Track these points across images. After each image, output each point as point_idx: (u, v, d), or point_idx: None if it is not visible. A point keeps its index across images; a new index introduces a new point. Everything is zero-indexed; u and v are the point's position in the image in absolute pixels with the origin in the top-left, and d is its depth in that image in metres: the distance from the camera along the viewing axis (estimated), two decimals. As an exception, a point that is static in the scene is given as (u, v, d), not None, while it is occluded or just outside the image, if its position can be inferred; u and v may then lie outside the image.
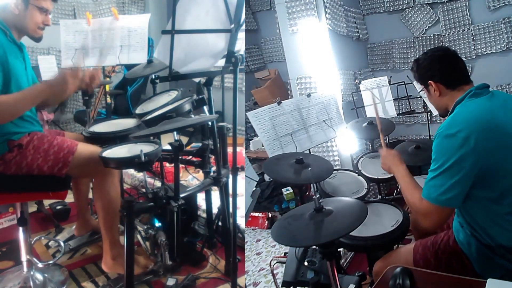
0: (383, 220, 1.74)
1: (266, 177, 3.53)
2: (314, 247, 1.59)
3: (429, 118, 3.13)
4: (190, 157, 2.20)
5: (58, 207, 2.78)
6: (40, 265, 2.08)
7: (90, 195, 2.58)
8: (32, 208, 2.81)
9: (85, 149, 1.88)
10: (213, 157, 2.11)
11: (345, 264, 2.44)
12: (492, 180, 1.27)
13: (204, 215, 2.36)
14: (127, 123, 2.14)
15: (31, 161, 1.76)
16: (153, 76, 2.22)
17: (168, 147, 1.82)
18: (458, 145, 1.25)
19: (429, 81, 1.49)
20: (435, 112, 2.95)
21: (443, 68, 1.47)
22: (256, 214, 3.27)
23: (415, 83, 2.82)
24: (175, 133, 1.98)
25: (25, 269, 2.01)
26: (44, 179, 1.81)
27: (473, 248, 1.35)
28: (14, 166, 1.74)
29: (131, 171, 3.19)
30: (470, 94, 1.39)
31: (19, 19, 1.81)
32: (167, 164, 2.30)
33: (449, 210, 1.31)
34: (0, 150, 1.72)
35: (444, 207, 1.29)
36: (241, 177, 1.84)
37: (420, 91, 1.73)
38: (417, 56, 1.61)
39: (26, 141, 1.78)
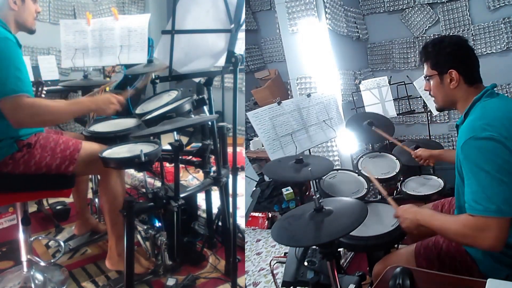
0: (383, 220, 1.74)
1: (266, 177, 3.53)
2: (314, 247, 1.59)
3: (429, 118, 3.13)
4: (190, 157, 2.20)
5: (58, 207, 2.78)
6: (42, 263, 2.08)
7: (90, 195, 2.58)
8: (32, 208, 2.81)
9: (90, 146, 1.90)
10: (213, 157, 2.11)
11: (345, 264, 2.44)
12: None
13: (204, 215, 2.36)
14: (127, 123, 2.14)
15: (39, 160, 1.77)
16: (153, 76, 2.22)
17: (168, 147, 1.82)
18: (501, 147, 1.17)
19: (451, 70, 1.36)
20: (435, 112, 2.96)
21: (469, 60, 1.38)
22: (256, 214, 3.27)
23: (416, 82, 2.81)
24: (175, 133, 1.98)
25: (25, 269, 2.01)
26: (51, 177, 1.82)
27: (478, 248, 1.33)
28: (22, 165, 1.75)
29: (131, 171, 3.19)
30: (487, 93, 1.34)
31: (19, 14, 1.83)
32: (167, 164, 2.30)
33: (510, 219, 1.16)
34: (9, 149, 1.73)
35: (505, 218, 1.15)
36: (241, 177, 1.84)
37: (426, 77, 1.45)
38: (437, 37, 1.46)
39: (33, 140, 1.79)
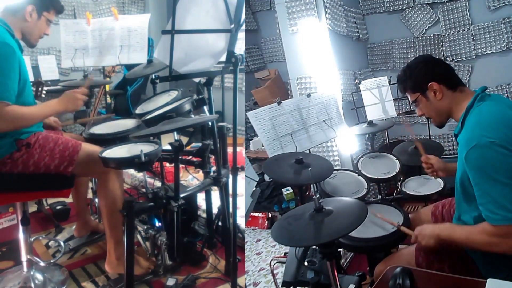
0: (383, 221, 1.73)
1: (266, 177, 3.52)
2: (314, 247, 1.59)
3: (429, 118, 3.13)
4: (190, 157, 2.20)
5: (58, 207, 2.78)
6: (42, 263, 2.08)
7: (90, 196, 2.58)
8: (32, 208, 2.81)
9: (89, 148, 1.90)
10: (213, 157, 2.11)
11: (345, 264, 2.44)
12: None
13: (204, 215, 2.36)
14: (126, 124, 2.14)
15: (38, 160, 1.77)
16: (153, 76, 2.22)
17: (168, 147, 1.82)
18: (507, 152, 1.17)
19: (431, 83, 1.40)
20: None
21: (441, 69, 1.42)
22: (256, 214, 3.27)
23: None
24: (175, 133, 1.98)
25: (25, 269, 2.01)
26: (50, 178, 1.83)
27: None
28: (21, 164, 1.75)
29: (131, 171, 3.19)
30: (478, 98, 1.35)
31: (28, 26, 1.85)
32: (167, 164, 2.30)
33: None
34: (9, 149, 1.73)
35: None
36: (241, 177, 1.84)
37: (413, 102, 1.49)
38: (404, 66, 1.50)
39: (33, 140, 1.80)
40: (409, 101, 1.62)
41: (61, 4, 2.00)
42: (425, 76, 1.42)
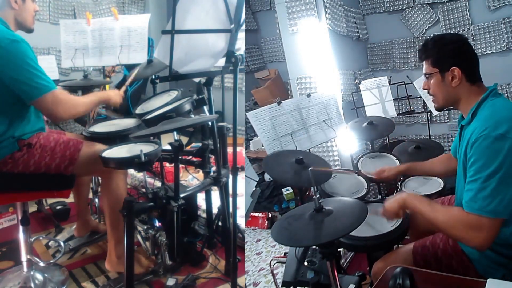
0: (383, 220, 1.73)
1: (266, 177, 3.53)
2: (314, 247, 1.59)
3: (429, 118, 3.13)
4: (190, 157, 2.20)
5: (58, 207, 2.78)
6: (42, 263, 2.08)
7: (90, 195, 2.58)
8: (32, 208, 2.81)
9: (91, 147, 1.89)
10: (213, 157, 2.11)
11: (345, 264, 2.44)
12: None
13: (204, 215, 2.36)
14: (127, 123, 2.14)
15: (38, 160, 1.77)
16: (153, 76, 2.22)
17: (168, 147, 1.82)
18: (510, 146, 1.16)
19: (454, 67, 1.33)
20: (435, 112, 2.96)
21: (470, 58, 1.36)
22: (256, 214, 3.27)
23: (416, 82, 2.81)
24: (175, 133, 1.98)
25: (25, 269, 2.01)
26: (50, 178, 1.82)
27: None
28: (21, 164, 1.75)
29: (131, 171, 3.19)
30: (493, 92, 1.33)
31: (19, 13, 1.84)
32: (167, 164, 2.30)
33: (502, 220, 1.17)
34: (10, 149, 1.73)
35: (498, 219, 1.16)
36: (241, 177, 1.84)
37: (426, 74, 1.41)
38: (436, 35, 1.44)
39: (34, 140, 1.80)
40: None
41: None
42: (454, 57, 1.35)
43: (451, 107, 1.45)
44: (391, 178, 1.84)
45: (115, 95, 2.09)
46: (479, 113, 1.31)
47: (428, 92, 1.46)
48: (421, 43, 1.60)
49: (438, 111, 1.47)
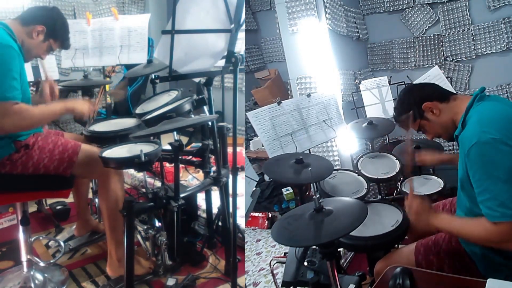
0: (383, 220, 1.74)
1: (266, 177, 3.53)
2: (314, 247, 1.59)
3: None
4: (190, 157, 2.20)
5: (58, 207, 2.78)
6: (42, 263, 2.07)
7: (90, 195, 2.58)
8: (32, 208, 2.81)
9: (89, 149, 1.90)
10: (213, 157, 2.11)
11: (345, 264, 2.44)
12: None
13: (204, 215, 2.36)
14: (127, 123, 2.14)
15: (37, 161, 1.77)
16: (153, 76, 2.22)
17: (168, 147, 1.82)
18: (506, 146, 1.18)
19: (425, 104, 1.43)
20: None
21: (426, 89, 1.48)
22: (256, 214, 3.27)
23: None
24: (175, 133, 1.98)
25: (25, 269, 2.01)
26: (49, 179, 1.83)
27: (477, 248, 1.34)
28: (20, 166, 1.75)
29: (131, 171, 3.19)
30: (477, 98, 1.36)
31: (30, 43, 1.84)
32: (167, 164, 2.30)
33: None
34: (7, 150, 1.73)
35: None
36: (241, 177, 1.84)
37: (418, 130, 1.53)
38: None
39: (32, 141, 1.79)
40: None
41: (69, 43, 2.03)
42: (415, 101, 1.46)
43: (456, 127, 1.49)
44: (433, 163, 1.92)
45: (81, 105, 1.96)
46: (468, 122, 1.34)
47: (436, 137, 1.54)
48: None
49: (451, 141, 1.56)
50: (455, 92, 1.48)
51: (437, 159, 1.90)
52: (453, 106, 1.42)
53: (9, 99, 1.62)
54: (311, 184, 1.97)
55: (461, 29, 3.43)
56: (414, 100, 1.47)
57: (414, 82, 1.61)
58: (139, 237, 2.23)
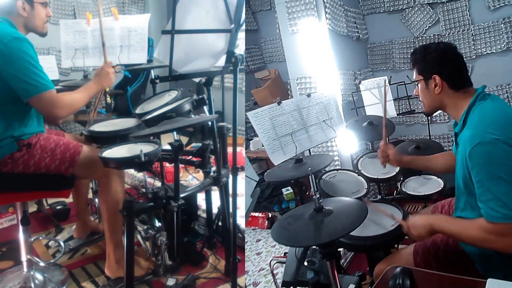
0: (383, 220, 1.74)
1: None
2: (314, 247, 1.59)
3: (429, 118, 3.13)
4: (190, 157, 2.20)
5: (58, 207, 2.78)
6: (42, 263, 2.07)
7: (90, 195, 2.58)
8: (32, 208, 2.81)
9: (90, 150, 1.90)
10: (213, 157, 2.11)
11: (345, 264, 2.44)
12: None
13: (204, 215, 2.36)
14: (127, 123, 2.14)
15: (38, 160, 1.77)
16: (153, 76, 2.22)
17: (168, 147, 1.82)
18: (509, 147, 1.17)
19: (434, 75, 1.40)
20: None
21: (453, 67, 1.40)
22: (256, 214, 3.27)
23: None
24: (175, 133, 1.99)
25: (25, 269, 2.01)
26: (50, 178, 1.83)
27: (476, 247, 1.33)
28: (21, 164, 1.75)
29: (131, 171, 3.19)
30: (479, 96, 1.35)
31: (29, 20, 1.85)
32: (167, 164, 2.30)
33: None
34: (9, 149, 1.74)
35: None
36: (241, 177, 1.84)
37: (414, 81, 1.51)
38: (425, 44, 1.50)
39: (34, 140, 1.80)
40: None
41: None
42: (434, 66, 1.41)
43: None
44: (392, 162, 1.85)
45: (105, 77, 2.04)
46: (469, 120, 1.34)
47: (420, 98, 1.52)
48: (421, 44, 1.63)
49: (426, 115, 1.54)
50: (471, 83, 1.43)
51: (397, 160, 1.83)
52: (455, 96, 1.40)
53: (50, 88, 1.70)
54: (311, 184, 1.97)
55: (461, 29, 3.43)
56: (435, 63, 1.41)
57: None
58: (139, 237, 2.23)
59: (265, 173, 1.94)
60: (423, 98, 1.49)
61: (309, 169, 1.54)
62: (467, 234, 1.25)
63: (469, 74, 1.47)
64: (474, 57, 3.40)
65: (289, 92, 3.84)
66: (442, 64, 1.40)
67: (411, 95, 3.10)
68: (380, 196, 2.62)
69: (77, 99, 1.86)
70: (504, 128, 1.21)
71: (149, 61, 2.31)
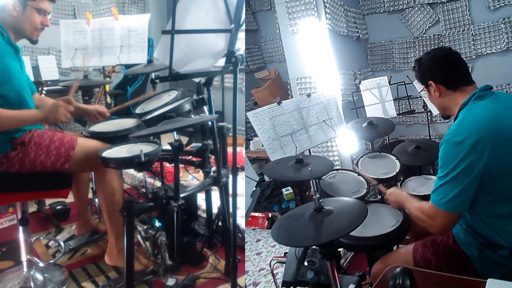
0: (383, 220, 1.74)
1: (266, 177, 3.53)
2: (314, 247, 1.59)
3: (429, 118, 3.13)
4: (190, 157, 2.20)
5: (58, 207, 2.78)
6: (42, 263, 2.07)
7: (90, 195, 2.58)
8: (32, 208, 2.81)
9: (85, 143, 1.89)
10: (213, 157, 2.11)
11: (345, 264, 2.44)
12: (497, 184, 1.27)
13: (204, 215, 2.36)
14: (127, 123, 2.14)
15: (33, 158, 1.76)
16: (153, 76, 2.22)
17: (168, 147, 1.82)
18: (465, 152, 1.25)
19: (429, 81, 1.48)
20: (435, 112, 2.97)
21: (444, 69, 1.46)
22: (256, 214, 3.27)
23: (415, 82, 2.83)
24: (175, 133, 1.98)
25: (25, 269, 2.01)
26: (47, 177, 1.82)
27: (474, 247, 1.35)
28: (17, 163, 1.75)
29: (131, 171, 3.19)
30: (474, 96, 1.38)
31: (17, 21, 1.80)
32: (167, 164, 2.30)
33: (458, 215, 1.32)
34: (3, 148, 1.73)
35: (452, 213, 1.30)
36: (241, 177, 1.84)
37: (421, 91, 1.67)
38: (419, 56, 1.59)
39: (27, 138, 1.78)
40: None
41: None
42: (426, 74, 1.50)
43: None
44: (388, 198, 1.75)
45: (53, 113, 1.75)
46: (457, 118, 1.41)
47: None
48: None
49: (444, 119, 1.62)
50: (471, 82, 1.46)
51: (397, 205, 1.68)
52: (455, 96, 1.44)
53: None
54: (311, 184, 1.97)
55: (461, 29, 3.44)
56: (426, 71, 1.50)
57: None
58: (139, 237, 2.23)
59: (264, 167, 1.93)
60: (432, 103, 1.59)
61: (309, 169, 1.54)
62: (412, 212, 1.46)
63: (469, 73, 1.48)
64: (474, 57, 3.40)
65: (289, 92, 3.84)
66: (432, 69, 1.48)
67: (411, 95, 3.11)
68: (380, 196, 2.62)
69: (5, 117, 1.65)
70: (476, 132, 1.26)
71: (149, 61, 2.31)
